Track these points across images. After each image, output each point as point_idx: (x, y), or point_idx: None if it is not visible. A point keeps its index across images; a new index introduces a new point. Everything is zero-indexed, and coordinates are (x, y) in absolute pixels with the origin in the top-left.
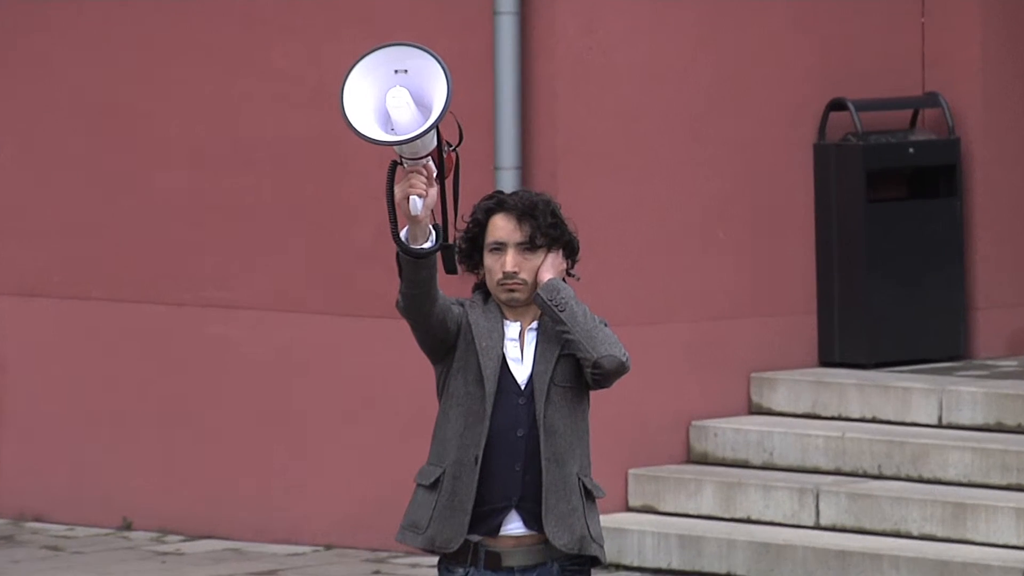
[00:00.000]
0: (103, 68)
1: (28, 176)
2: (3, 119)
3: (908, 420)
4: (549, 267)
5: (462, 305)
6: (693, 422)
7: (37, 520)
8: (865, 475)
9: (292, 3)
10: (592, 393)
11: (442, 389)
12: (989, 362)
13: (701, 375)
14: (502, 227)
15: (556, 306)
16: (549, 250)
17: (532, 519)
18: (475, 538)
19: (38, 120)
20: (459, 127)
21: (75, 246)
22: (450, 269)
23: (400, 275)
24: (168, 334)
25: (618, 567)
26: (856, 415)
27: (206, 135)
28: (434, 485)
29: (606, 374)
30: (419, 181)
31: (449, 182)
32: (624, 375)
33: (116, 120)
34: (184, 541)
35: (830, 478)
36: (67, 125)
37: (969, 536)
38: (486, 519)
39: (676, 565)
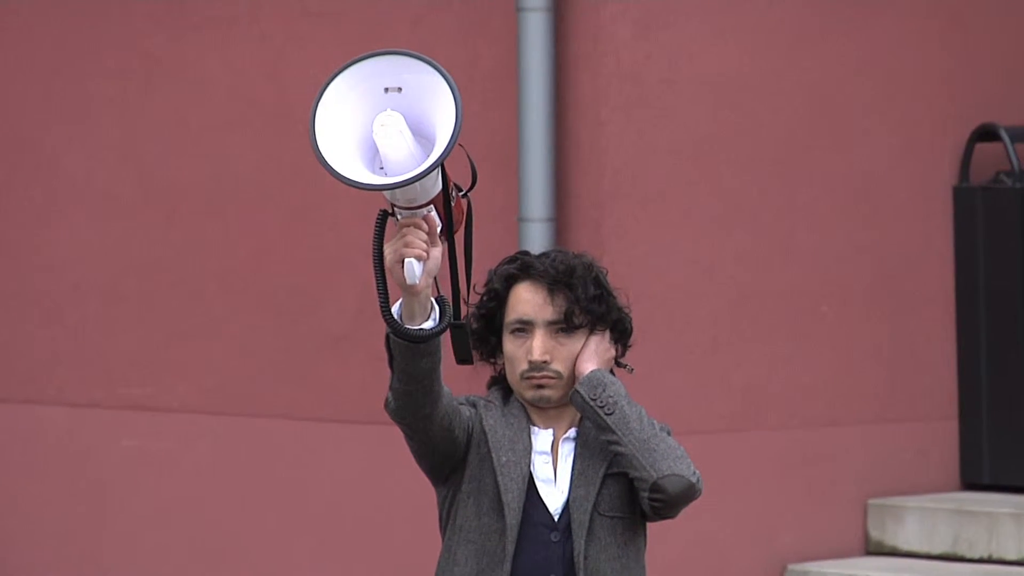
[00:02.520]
0: None
1: None
2: None
3: None
4: (592, 355)
5: (474, 406)
6: (789, 566)
7: None
8: None
9: None
10: (651, 526)
11: (447, 520)
12: None
13: (799, 502)
14: (528, 300)
15: (602, 407)
16: (591, 331)
17: None
18: None
19: None
20: (472, 165)
21: None
22: (462, 357)
23: (391, 365)
24: (71, 445)
25: None
26: (1013, 555)
27: (118, 174)
28: None
29: (670, 500)
30: (417, 239)
31: (459, 239)
32: (694, 501)
33: None
34: None
35: None
36: None
37: None
38: None
39: None
